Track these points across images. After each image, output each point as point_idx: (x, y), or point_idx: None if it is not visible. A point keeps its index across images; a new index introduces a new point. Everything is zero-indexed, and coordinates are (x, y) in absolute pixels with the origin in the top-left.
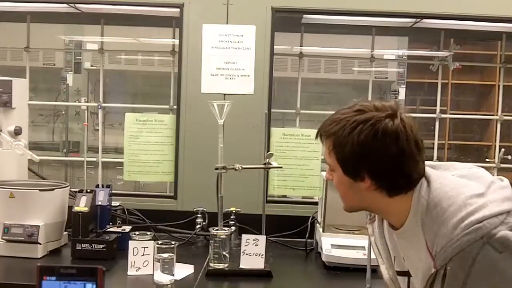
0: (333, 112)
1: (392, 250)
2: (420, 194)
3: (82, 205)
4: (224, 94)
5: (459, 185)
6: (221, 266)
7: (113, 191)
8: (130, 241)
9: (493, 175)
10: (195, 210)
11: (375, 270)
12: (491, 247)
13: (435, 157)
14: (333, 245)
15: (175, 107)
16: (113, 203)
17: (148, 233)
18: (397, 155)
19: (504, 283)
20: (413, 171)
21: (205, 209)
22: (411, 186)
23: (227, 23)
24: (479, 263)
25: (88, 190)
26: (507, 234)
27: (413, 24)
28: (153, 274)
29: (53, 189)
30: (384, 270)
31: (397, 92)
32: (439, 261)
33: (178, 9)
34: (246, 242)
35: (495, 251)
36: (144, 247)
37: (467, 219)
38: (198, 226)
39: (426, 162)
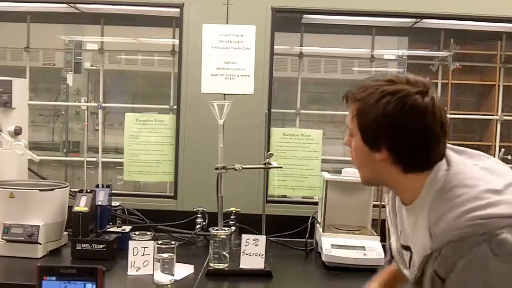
0: (334, 112)
1: (399, 223)
2: (436, 175)
3: (82, 205)
4: (224, 94)
5: (478, 176)
6: (221, 266)
7: (113, 191)
8: (130, 241)
9: None
10: (195, 210)
11: (375, 270)
12: (488, 246)
13: None
14: (333, 245)
15: (175, 107)
16: (113, 203)
17: (148, 233)
18: (421, 133)
19: (486, 284)
20: (433, 152)
21: (205, 209)
22: (428, 166)
23: (227, 23)
24: (471, 257)
25: (88, 190)
26: (508, 238)
27: (413, 24)
28: (153, 274)
29: (53, 189)
30: (393, 241)
31: None
32: (436, 243)
33: (178, 9)
34: (246, 242)
35: (490, 251)
36: (144, 247)
37: (475, 211)
38: (198, 226)
39: (453, 146)
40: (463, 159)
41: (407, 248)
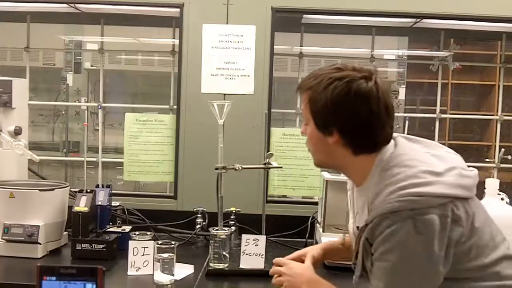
0: None
1: (356, 205)
2: (382, 157)
3: (82, 205)
4: (224, 94)
5: (420, 159)
6: (221, 266)
7: (113, 191)
8: (130, 241)
9: (493, 175)
10: (195, 210)
11: None
12: (413, 223)
13: None
14: None
15: (175, 107)
16: (113, 203)
17: (148, 233)
18: (366, 115)
19: (402, 257)
20: (379, 134)
21: (205, 209)
22: (375, 148)
23: (227, 23)
24: (394, 229)
25: (88, 190)
26: (433, 220)
27: (413, 24)
28: (153, 274)
29: (53, 189)
30: (350, 223)
31: (397, 92)
32: (370, 216)
33: (178, 9)
34: (246, 242)
35: (413, 228)
36: (144, 247)
37: (408, 188)
38: (198, 226)
39: (408, 136)
40: (412, 145)
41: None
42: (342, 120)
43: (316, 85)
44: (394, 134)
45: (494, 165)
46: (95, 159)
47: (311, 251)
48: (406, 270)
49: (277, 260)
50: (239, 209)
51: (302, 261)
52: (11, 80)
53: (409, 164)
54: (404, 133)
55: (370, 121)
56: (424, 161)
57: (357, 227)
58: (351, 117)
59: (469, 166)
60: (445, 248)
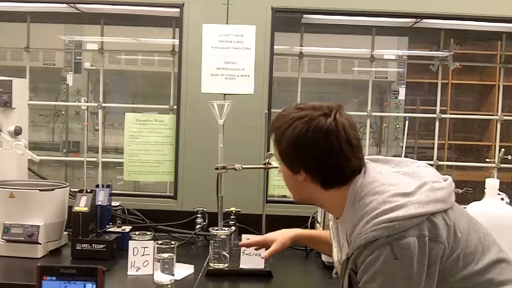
0: None
1: (341, 236)
2: (354, 188)
3: (82, 205)
4: (224, 94)
5: (390, 182)
6: (221, 266)
7: (113, 191)
8: (130, 241)
9: (493, 175)
10: (195, 210)
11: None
12: (390, 250)
13: (435, 157)
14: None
15: (175, 107)
16: (113, 203)
17: (148, 233)
18: (326, 151)
19: (383, 284)
20: (344, 167)
21: (205, 209)
22: (344, 181)
23: (227, 23)
24: (373, 258)
25: (88, 190)
26: (409, 243)
27: (413, 24)
28: (153, 274)
29: (53, 189)
30: (335, 253)
31: (397, 92)
32: (350, 249)
33: (178, 9)
34: None
35: (391, 254)
36: (144, 247)
37: (380, 216)
38: (198, 226)
39: (379, 157)
40: (378, 168)
41: None
42: (305, 158)
43: (279, 127)
44: (365, 159)
45: (494, 165)
46: (95, 159)
47: (281, 239)
48: None
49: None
50: (239, 209)
51: (268, 246)
52: (11, 80)
53: (379, 191)
54: (404, 133)
55: (332, 156)
56: (394, 183)
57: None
58: (313, 155)
59: (468, 167)
60: (427, 269)
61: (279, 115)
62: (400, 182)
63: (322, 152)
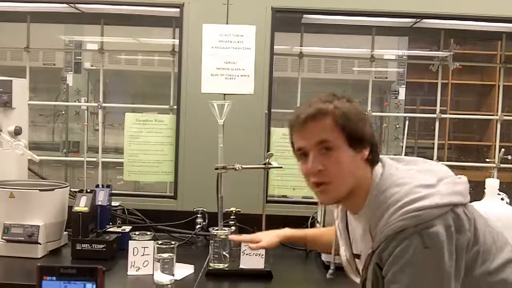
0: None
1: (351, 233)
2: (374, 180)
3: (82, 205)
4: (224, 94)
5: (409, 176)
6: (221, 266)
7: (113, 191)
8: (130, 241)
9: (493, 175)
10: (195, 210)
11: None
12: (420, 239)
13: (435, 157)
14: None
15: (175, 107)
16: (113, 203)
17: (148, 233)
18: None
19: (414, 275)
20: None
21: (205, 209)
22: (376, 162)
23: (227, 23)
24: (402, 247)
25: (88, 190)
26: (438, 231)
27: (413, 24)
28: (153, 274)
29: (53, 189)
30: (343, 251)
31: (397, 92)
32: (375, 242)
33: (178, 9)
34: None
35: (421, 243)
36: (144, 247)
37: (407, 206)
38: (198, 226)
39: (390, 156)
40: (395, 163)
41: (359, 256)
42: (369, 132)
43: (341, 104)
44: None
45: (494, 165)
46: (95, 159)
47: (269, 236)
48: (420, 287)
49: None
50: (239, 209)
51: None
52: (11, 80)
53: (401, 183)
54: (404, 133)
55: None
56: (413, 177)
57: (354, 255)
58: (370, 129)
59: (468, 167)
60: (455, 260)
61: (324, 99)
62: (417, 176)
63: (371, 124)
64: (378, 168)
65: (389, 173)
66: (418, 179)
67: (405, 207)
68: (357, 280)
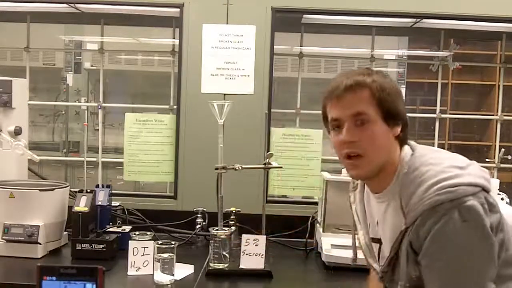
0: None
1: (368, 216)
2: (404, 160)
3: (82, 205)
4: (224, 94)
5: (440, 156)
6: (221, 266)
7: (113, 191)
8: (130, 241)
9: (493, 175)
10: (195, 210)
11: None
12: (457, 212)
13: None
14: (333, 245)
15: (175, 107)
16: (113, 203)
17: (148, 233)
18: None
19: (457, 250)
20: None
21: (205, 209)
22: (406, 140)
23: (227, 23)
24: (443, 223)
25: (88, 190)
26: (475, 205)
27: (413, 24)
28: (153, 274)
29: (53, 189)
30: (361, 235)
31: None
32: (410, 218)
33: (178, 9)
34: (246, 242)
35: (460, 217)
36: (144, 247)
37: (442, 182)
38: (198, 226)
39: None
40: (424, 146)
41: (377, 240)
42: (403, 109)
43: (379, 78)
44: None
45: (494, 165)
46: (95, 159)
47: None
48: (466, 263)
49: None
50: (239, 209)
51: None
52: (11, 80)
53: (433, 162)
54: None
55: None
56: (444, 157)
57: (372, 238)
58: (404, 106)
59: None
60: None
61: (362, 72)
62: (448, 157)
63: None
64: (407, 148)
65: (420, 153)
66: (449, 161)
67: (440, 183)
68: (375, 265)
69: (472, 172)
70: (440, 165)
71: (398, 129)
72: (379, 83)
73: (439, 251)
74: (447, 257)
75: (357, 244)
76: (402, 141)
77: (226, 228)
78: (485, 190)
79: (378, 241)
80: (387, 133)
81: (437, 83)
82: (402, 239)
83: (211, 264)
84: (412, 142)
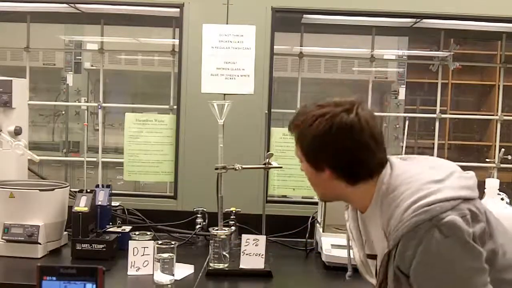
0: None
1: (363, 233)
2: (382, 181)
3: (82, 205)
4: (224, 94)
5: (419, 172)
6: (221, 266)
7: (113, 191)
8: (130, 241)
9: (493, 175)
10: (195, 210)
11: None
12: (438, 230)
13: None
14: (333, 245)
15: (175, 107)
16: (113, 203)
17: (148, 233)
18: (351, 147)
19: (445, 267)
20: (369, 162)
21: (205, 209)
22: (370, 175)
23: (227, 23)
24: (425, 244)
25: (88, 190)
26: (455, 219)
27: (413, 24)
28: (153, 274)
29: (53, 189)
30: (356, 252)
31: (397, 92)
32: (391, 241)
33: (178, 9)
34: (246, 242)
35: (441, 235)
36: (144, 247)
37: (419, 201)
38: (198, 226)
39: (398, 156)
40: (404, 162)
41: (373, 256)
42: (330, 156)
43: (302, 124)
44: (388, 156)
45: (494, 165)
46: (95, 159)
47: None
48: (455, 277)
49: None
50: (239, 209)
51: None
52: (11, 80)
53: (411, 181)
54: (404, 134)
55: (357, 152)
56: (423, 173)
57: (367, 255)
58: (338, 152)
59: (468, 167)
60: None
61: (299, 113)
62: (427, 172)
63: (346, 148)
64: (386, 168)
65: (398, 172)
66: (427, 176)
67: (417, 203)
68: (372, 280)
69: (451, 184)
70: (418, 181)
71: (324, 174)
72: (304, 126)
73: (427, 271)
74: (436, 275)
75: (352, 262)
76: (349, 180)
77: (226, 228)
78: (469, 199)
79: (375, 257)
80: (314, 174)
81: (437, 83)
82: (388, 262)
83: (211, 264)
84: (392, 159)
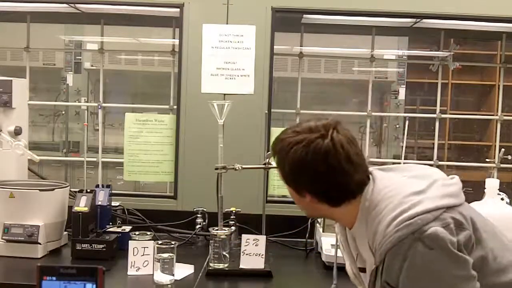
0: (334, 112)
1: (352, 248)
2: (365, 197)
3: (82, 205)
4: (224, 94)
5: (401, 185)
6: (221, 266)
7: (113, 191)
8: (130, 241)
9: (493, 175)
10: (195, 210)
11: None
12: (421, 243)
13: (435, 157)
14: (333, 245)
15: (175, 107)
16: (113, 203)
17: (148, 233)
18: (327, 172)
19: (432, 277)
20: (348, 185)
21: (205, 209)
22: (352, 195)
23: (227, 23)
24: (410, 259)
25: (88, 190)
26: (437, 231)
27: (413, 24)
28: (153, 274)
29: (53, 189)
30: (348, 266)
31: (397, 92)
32: (377, 257)
33: (178, 9)
34: (246, 242)
35: (425, 248)
36: (144, 247)
37: (400, 216)
38: (198, 226)
39: (383, 167)
40: (386, 175)
41: (365, 270)
42: (308, 181)
43: (279, 152)
44: (370, 169)
45: (494, 165)
46: (95, 159)
47: None
48: (443, 286)
49: None
50: (239, 209)
51: None
52: (11, 80)
53: (392, 195)
54: (404, 134)
55: (334, 176)
56: (405, 185)
57: (359, 268)
58: (315, 178)
59: (468, 167)
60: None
61: (277, 140)
62: (409, 183)
63: (323, 174)
64: (369, 185)
65: (379, 188)
66: (408, 188)
67: (398, 217)
68: None
69: (432, 194)
70: (399, 195)
71: (308, 197)
72: (282, 153)
73: (415, 284)
74: (424, 287)
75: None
76: (330, 202)
77: (226, 228)
78: (453, 206)
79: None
80: (297, 198)
81: (437, 83)
82: (375, 277)
83: (211, 264)
84: (374, 172)
